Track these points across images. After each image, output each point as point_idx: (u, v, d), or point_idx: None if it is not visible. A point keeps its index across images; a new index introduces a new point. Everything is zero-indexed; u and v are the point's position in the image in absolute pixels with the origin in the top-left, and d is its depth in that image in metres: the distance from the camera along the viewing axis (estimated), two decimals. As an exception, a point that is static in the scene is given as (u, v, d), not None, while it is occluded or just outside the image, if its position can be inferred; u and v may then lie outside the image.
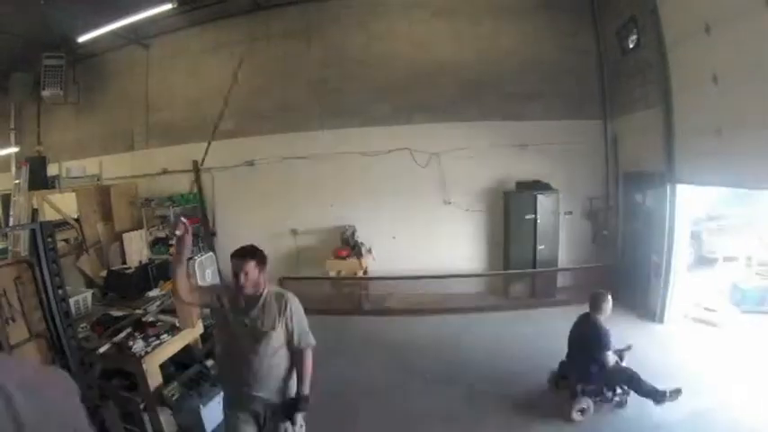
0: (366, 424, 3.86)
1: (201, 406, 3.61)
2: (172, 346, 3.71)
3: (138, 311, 4.21)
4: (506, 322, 5.94)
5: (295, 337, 2.46)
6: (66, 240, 7.05)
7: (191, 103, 8.08)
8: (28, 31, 7.32)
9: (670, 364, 4.51)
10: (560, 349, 5.01)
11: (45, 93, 8.08)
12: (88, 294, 4.56)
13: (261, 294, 2.45)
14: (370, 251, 7.21)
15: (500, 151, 7.12)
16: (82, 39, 6.80)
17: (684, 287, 5.67)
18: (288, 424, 2.41)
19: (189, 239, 2.39)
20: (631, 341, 5.05)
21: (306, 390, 2.43)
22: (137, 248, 7.47)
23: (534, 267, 6.68)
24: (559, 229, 6.84)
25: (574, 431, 3.58)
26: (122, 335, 3.56)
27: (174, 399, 3.44)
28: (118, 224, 7.49)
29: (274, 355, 2.41)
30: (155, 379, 3.48)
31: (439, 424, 3.79)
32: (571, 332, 3.98)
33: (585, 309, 3.99)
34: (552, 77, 7.06)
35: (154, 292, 4.91)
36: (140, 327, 3.69)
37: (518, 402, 4.01)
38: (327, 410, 3.61)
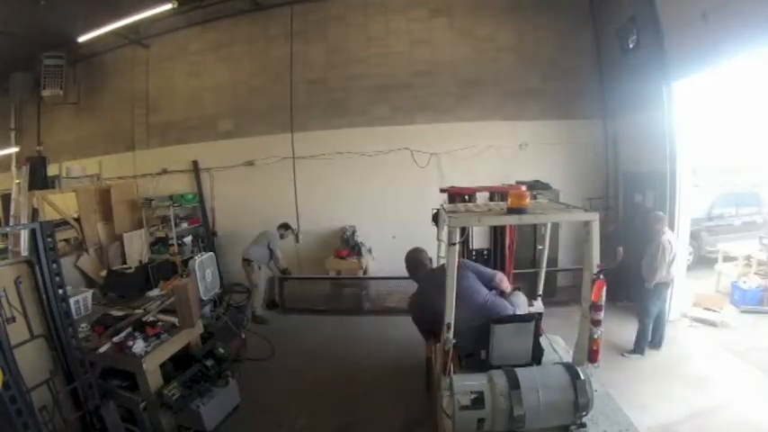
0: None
1: (201, 406, 3.61)
2: (172, 346, 3.71)
3: (138, 311, 4.21)
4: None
5: None
6: (66, 240, 7.05)
7: (191, 103, 8.08)
8: (28, 31, 7.32)
9: (670, 364, 4.51)
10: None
11: (45, 93, 8.10)
12: (88, 294, 4.56)
13: None
14: (370, 251, 7.21)
15: (500, 151, 7.12)
16: (82, 39, 6.79)
17: (684, 287, 5.67)
18: None
19: None
20: (631, 341, 5.11)
21: None
22: (137, 248, 7.47)
23: (534, 267, 6.67)
24: (559, 230, 6.83)
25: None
26: (122, 335, 3.56)
27: (174, 399, 3.44)
28: (118, 224, 7.49)
29: None
30: (155, 379, 3.48)
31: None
32: None
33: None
34: (552, 76, 7.07)
35: (154, 292, 4.91)
36: (140, 327, 3.69)
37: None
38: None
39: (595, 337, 2.63)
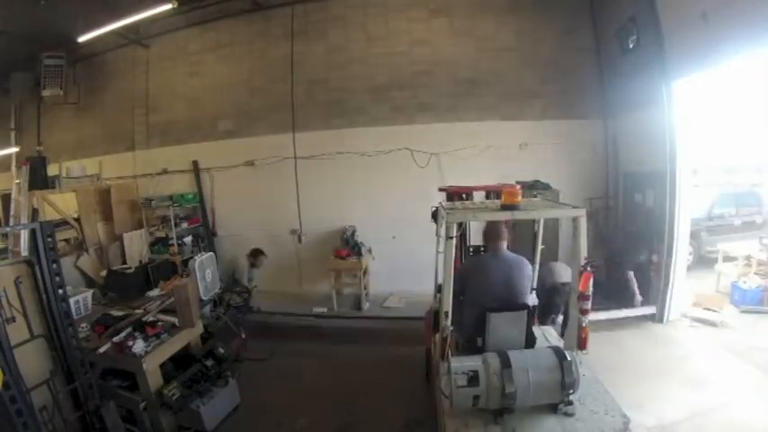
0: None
1: (201, 406, 3.61)
2: (172, 346, 3.72)
3: (138, 311, 4.22)
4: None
5: None
6: (66, 240, 7.05)
7: (191, 103, 8.08)
8: (28, 31, 7.32)
9: (670, 364, 4.51)
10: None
11: (45, 93, 8.09)
12: (88, 294, 4.56)
13: None
14: (370, 251, 7.22)
15: (500, 151, 7.11)
16: (82, 39, 6.79)
17: (684, 287, 5.68)
18: None
19: None
20: (631, 341, 5.12)
21: None
22: (137, 248, 7.47)
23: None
24: (559, 230, 6.82)
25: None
26: (122, 335, 3.56)
27: (174, 399, 3.44)
28: (118, 224, 7.48)
29: None
30: (155, 379, 3.49)
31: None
32: None
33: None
34: (552, 76, 7.06)
35: (154, 292, 4.92)
36: (140, 327, 3.69)
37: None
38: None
39: (584, 325, 2.80)
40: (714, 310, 5.54)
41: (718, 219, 8.04)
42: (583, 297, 2.77)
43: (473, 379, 2.44)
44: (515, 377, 2.39)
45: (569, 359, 2.47)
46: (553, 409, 2.51)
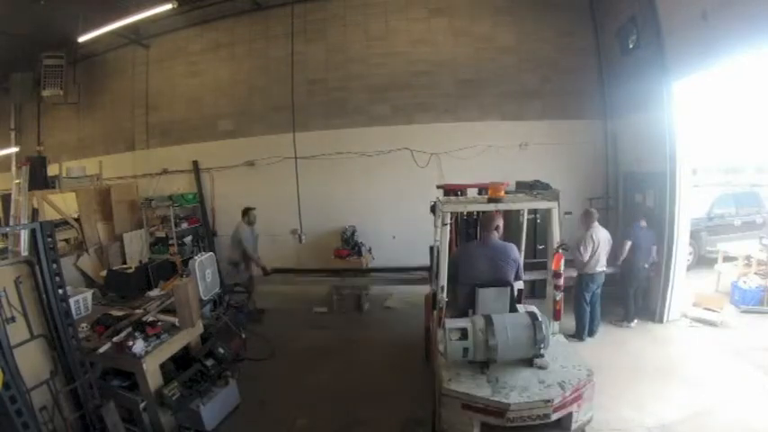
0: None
1: (201, 406, 3.61)
2: (172, 346, 3.71)
3: (138, 311, 4.21)
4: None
5: None
6: (66, 240, 7.06)
7: (191, 103, 8.09)
8: (28, 31, 7.32)
9: (670, 364, 4.51)
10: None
11: (45, 93, 8.09)
12: (88, 294, 4.55)
13: None
14: (369, 251, 7.22)
15: (500, 151, 7.12)
16: (82, 39, 6.80)
17: (684, 287, 5.67)
18: None
19: None
20: (631, 341, 5.12)
21: None
22: (137, 248, 7.48)
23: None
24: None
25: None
26: (122, 335, 3.56)
27: (174, 399, 3.44)
28: (118, 224, 7.49)
29: None
30: (155, 379, 3.48)
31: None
32: None
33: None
34: (552, 76, 7.08)
35: (154, 292, 4.91)
36: (140, 327, 3.69)
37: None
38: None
39: (557, 299, 3.42)
40: (714, 310, 5.53)
41: (718, 219, 8.04)
42: (556, 275, 3.36)
43: (463, 334, 2.96)
44: (497, 333, 2.91)
45: (540, 320, 2.98)
46: (529, 363, 3.02)
